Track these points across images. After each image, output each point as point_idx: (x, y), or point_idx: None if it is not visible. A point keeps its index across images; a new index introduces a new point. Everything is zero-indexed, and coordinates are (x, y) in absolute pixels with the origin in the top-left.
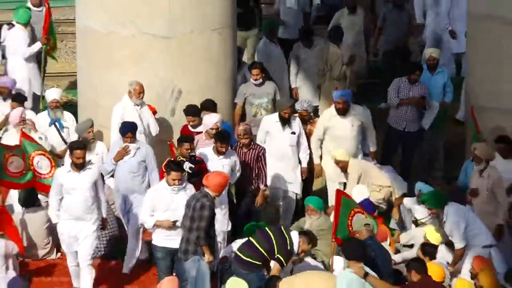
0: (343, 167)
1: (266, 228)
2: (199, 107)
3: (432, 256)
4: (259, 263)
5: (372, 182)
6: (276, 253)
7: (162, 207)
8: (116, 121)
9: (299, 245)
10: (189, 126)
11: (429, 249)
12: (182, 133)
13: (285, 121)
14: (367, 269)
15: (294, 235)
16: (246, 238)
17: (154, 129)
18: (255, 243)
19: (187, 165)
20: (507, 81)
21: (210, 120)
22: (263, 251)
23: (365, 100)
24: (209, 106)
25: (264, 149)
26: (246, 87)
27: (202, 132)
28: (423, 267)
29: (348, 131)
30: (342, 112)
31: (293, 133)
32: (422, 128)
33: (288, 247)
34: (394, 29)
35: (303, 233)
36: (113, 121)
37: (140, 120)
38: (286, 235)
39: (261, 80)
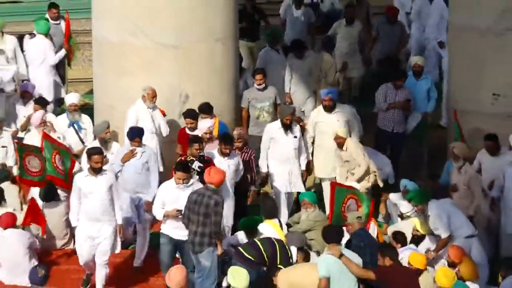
0: (340, 143)
1: (273, 239)
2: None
3: (403, 243)
4: (259, 263)
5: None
6: (278, 263)
7: (170, 202)
8: (131, 123)
9: (296, 258)
10: (186, 128)
11: (400, 238)
12: (180, 135)
13: (287, 127)
14: (347, 252)
15: (294, 250)
16: (252, 240)
17: (165, 130)
18: (260, 246)
19: (196, 164)
20: (485, 87)
21: (204, 124)
22: (265, 256)
23: (361, 104)
24: (205, 109)
25: (255, 152)
26: (250, 92)
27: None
28: (396, 254)
29: (335, 126)
30: (329, 109)
31: (295, 137)
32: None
33: (290, 260)
34: (387, 41)
35: (300, 249)
36: (128, 123)
37: (152, 122)
38: (288, 250)
39: (264, 85)
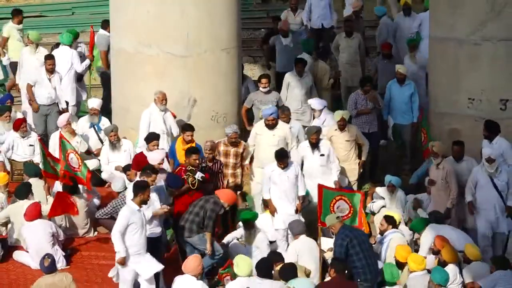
0: (341, 125)
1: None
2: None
3: (394, 225)
4: None
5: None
6: None
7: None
8: (144, 125)
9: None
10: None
11: (390, 220)
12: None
13: (314, 146)
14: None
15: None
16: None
17: (175, 131)
18: None
19: (199, 175)
20: (462, 92)
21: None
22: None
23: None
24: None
25: (222, 164)
26: (255, 95)
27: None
28: (342, 268)
29: (270, 140)
30: (271, 127)
31: (322, 155)
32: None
33: None
34: (383, 78)
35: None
36: (142, 125)
37: (164, 123)
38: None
39: (268, 88)
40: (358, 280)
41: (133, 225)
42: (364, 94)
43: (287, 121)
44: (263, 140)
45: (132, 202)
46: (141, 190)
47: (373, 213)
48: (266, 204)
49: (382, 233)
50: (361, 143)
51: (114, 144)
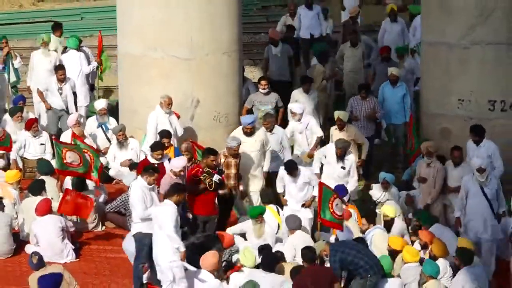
0: (340, 125)
1: None
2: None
3: (374, 223)
4: None
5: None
6: None
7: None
8: (152, 127)
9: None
10: (154, 159)
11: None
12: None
13: (339, 158)
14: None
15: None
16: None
17: (180, 132)
18: None
19: (216, 177)
20: (452, 93)
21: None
22: None
23: None
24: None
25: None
26: (255, 96)
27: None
28: (313, 256)
29: (252, 146)
30: (250, 134)
31: (343, 167)
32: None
33: None
34: (382, 80)
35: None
36: (149, 126)
37: (170, 125)
38: None
39: (267, 90)
40: (368, 275)
41: None
42: (362, 99)
43: (271, 128)
44: (246, 147)
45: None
46: (178, 192)
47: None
48: (264, 201)
49: (363, 232)
50: (361, 142)
51: (122, 143)
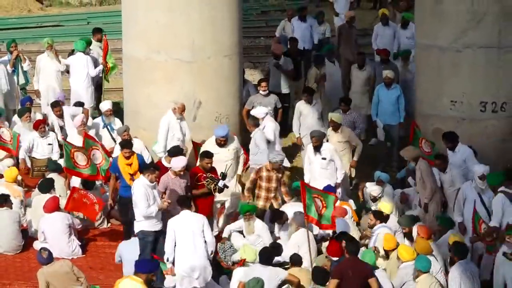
0: (334, 126)
1: None
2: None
3: (382, 220)
4: None
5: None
6: None
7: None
8: (163, 131)
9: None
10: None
11: (379, 215)
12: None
13: (316, 149)
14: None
15: None
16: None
17: (189, 137)
18: None
19: (221, 183)
20: (445, 95)
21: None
22: None
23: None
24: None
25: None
26: (255, 97)
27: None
28: (356, 249)
29: (225, 155)
30: (223, 144)
31: (324, 158)
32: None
33: None
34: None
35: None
36: (161, 131)
37: (181, 130)
38: None
39: (267, 91)
40: None
41: None
42: (343, 112)
43: (253, 129)
44: (220, 157)
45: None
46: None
47: (374, 200)
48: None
49: (371, 227)
50: (355, 144)
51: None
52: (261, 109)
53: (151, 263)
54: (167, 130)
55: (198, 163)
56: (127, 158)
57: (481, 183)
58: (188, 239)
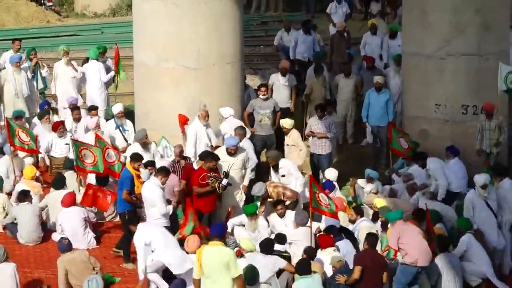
0: (286, 131)
1: None
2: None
3: (362, 215)
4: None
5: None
6: None
7: None
8: (191, 136)
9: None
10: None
11: (358, 210)
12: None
13: (274, 168)
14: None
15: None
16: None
17: (214, 141)
18: None
19: (225, 181)
20: (430, 99)
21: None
22: None
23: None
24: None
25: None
26: (256, 101)
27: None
28: (375, 241)
29: (236, 165)
30: (233, 153)
31: (283, 175)
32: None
33: None
34: (368, 87)
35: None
36: (189, 137)
37: (207, 136)
38: None
39: (267, 96)
40: None
41: None
42: (319, 119)
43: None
44: (226, 165)
45: None
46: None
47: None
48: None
49: (353, 222)
50: (300, 149)
51: (146, 145)
52: (227, 110)
53: (224, 227)
54: (195, 137)
55: (203, 164)
56: (137, 169)
57: (484, 191)
58: None
